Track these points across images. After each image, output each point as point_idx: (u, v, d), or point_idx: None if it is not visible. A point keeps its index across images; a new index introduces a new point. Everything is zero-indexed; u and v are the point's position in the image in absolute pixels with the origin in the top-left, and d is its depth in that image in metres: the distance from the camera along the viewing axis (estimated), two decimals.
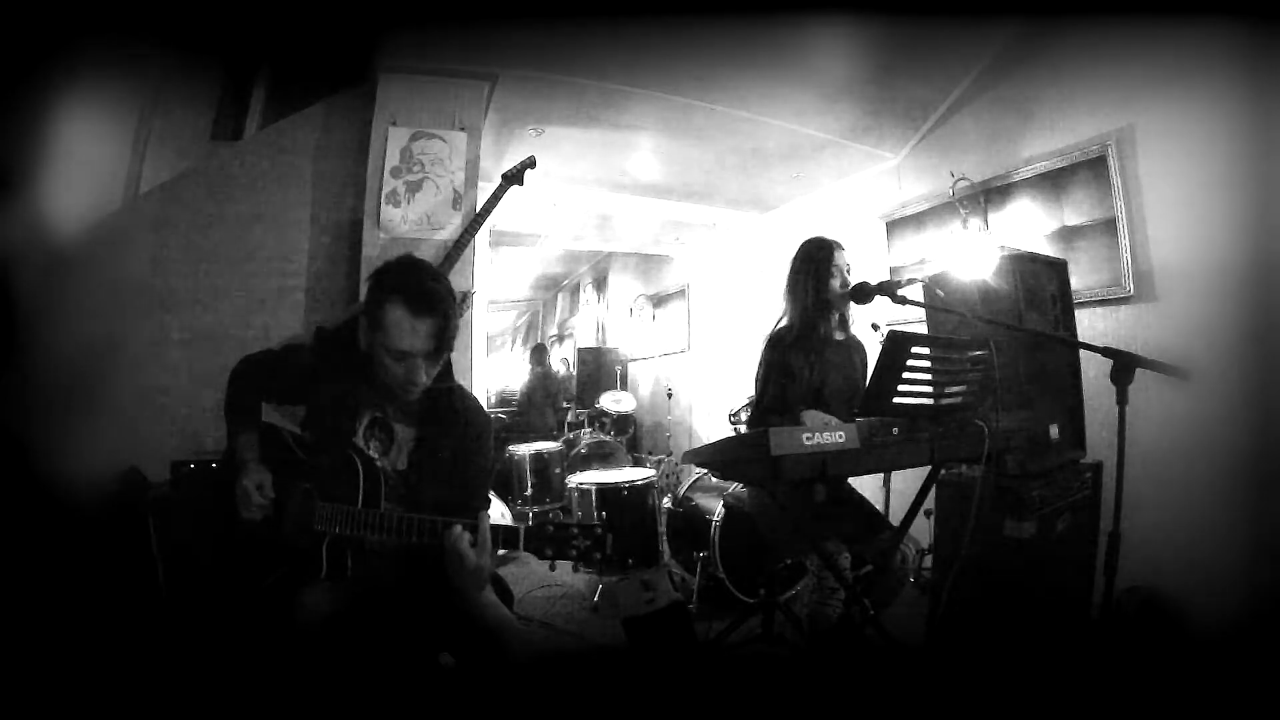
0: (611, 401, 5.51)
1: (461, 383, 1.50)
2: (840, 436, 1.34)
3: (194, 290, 2.47)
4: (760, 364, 1.93)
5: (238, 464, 1.31)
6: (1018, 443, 1.72)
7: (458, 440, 1.33)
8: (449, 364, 1.34)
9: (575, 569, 3.22)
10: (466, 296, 2.52)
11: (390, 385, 1.26)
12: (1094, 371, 2.09)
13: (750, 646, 2.20)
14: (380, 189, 2.53)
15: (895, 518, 2.05)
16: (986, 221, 3.01)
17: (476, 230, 2.55)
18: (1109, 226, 2.51)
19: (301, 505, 1.28)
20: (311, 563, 1.23)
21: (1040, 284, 2.14)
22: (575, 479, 3.34)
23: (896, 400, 1.43)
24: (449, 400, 1.36)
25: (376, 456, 1.31)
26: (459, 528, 1.12)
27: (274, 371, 1.40)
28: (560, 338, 9.28)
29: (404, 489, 1.30)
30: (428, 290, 1.21)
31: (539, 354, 6.53)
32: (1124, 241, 2.46)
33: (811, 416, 1.70)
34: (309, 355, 1.52)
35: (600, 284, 7.77)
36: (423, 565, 1.28)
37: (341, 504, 1.23)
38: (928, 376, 1.47)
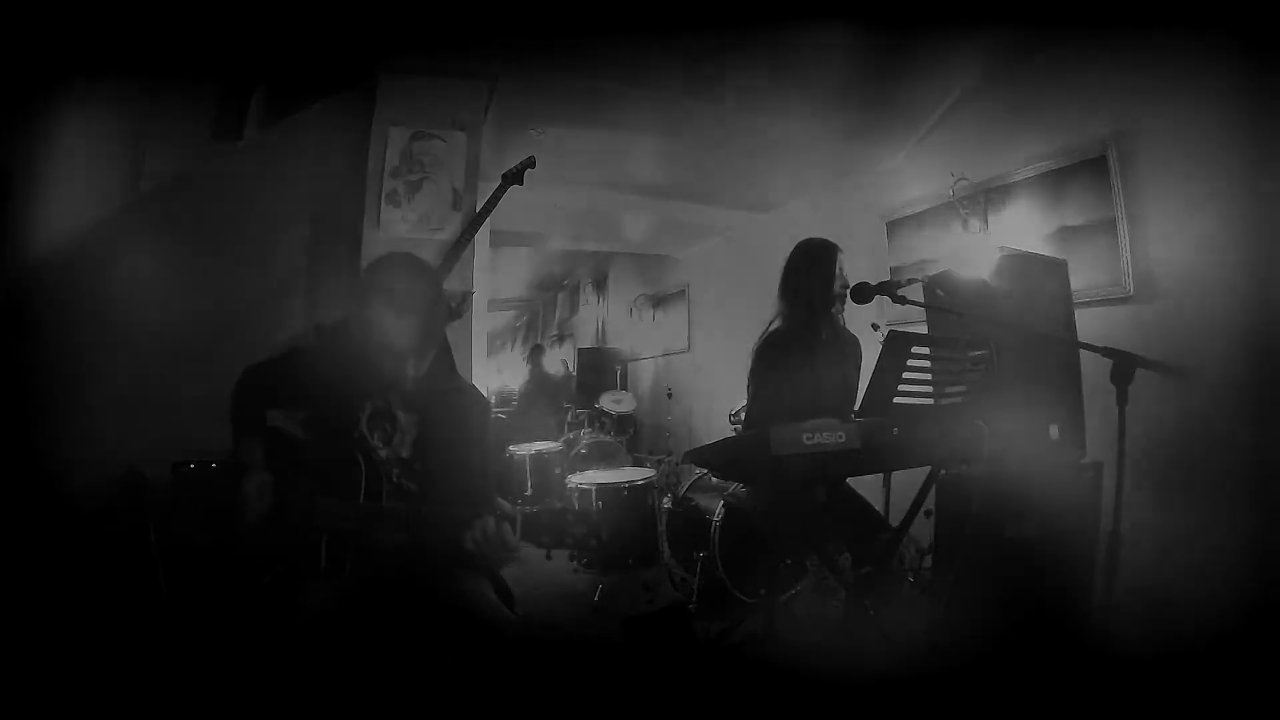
0: (611, 401, 5.51)
1: None
2: (840, 436, 1.34)
3: (194, 290, 2.47)
4: (751, 372, 1.92)
5: (241, 468, 1.33)
6: (1018, 443, 1.72)
7: (459, 424, 1.38)
8: (452, 362, 1.38)
9: (571, 558, 3.23)
10: (466, 296, 2.52)
11: (384, 377, 1.33)
12: (1094, 371, 2.09)
13: (750, 646, 2.20)
14: (380, 189, 2.53)
15: (895, 518, 2.05)
16: (986, 221, 3.01)
17: (476, 230, 2.55)
18: (1109, 226, 2.51)
19: (302, 504, 1.29)
20: (311, 559, 1.25)
21: (1040, 284, 2.14)
22: (575, 479, 3.34)
23: (896, 400, 1.43)
24: (448, 386, 1.42)
25: (380, 446, 1.35)
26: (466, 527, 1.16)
27: (276, 379, 1.43)
28: (560, 338, 9.28)
29: (408, 477, 1.34)
30: (407, 291, 1.30)
31: (536, 355, 6.55)
32: (1124, 241, 2.46)
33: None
34: (310, 356, 1.54)
35: (600, 284, 7.77)
36: (422, 560, 1.30)
37: (343, 499, 1.25)
38: (928, 376, 1.47)
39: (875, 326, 1.99)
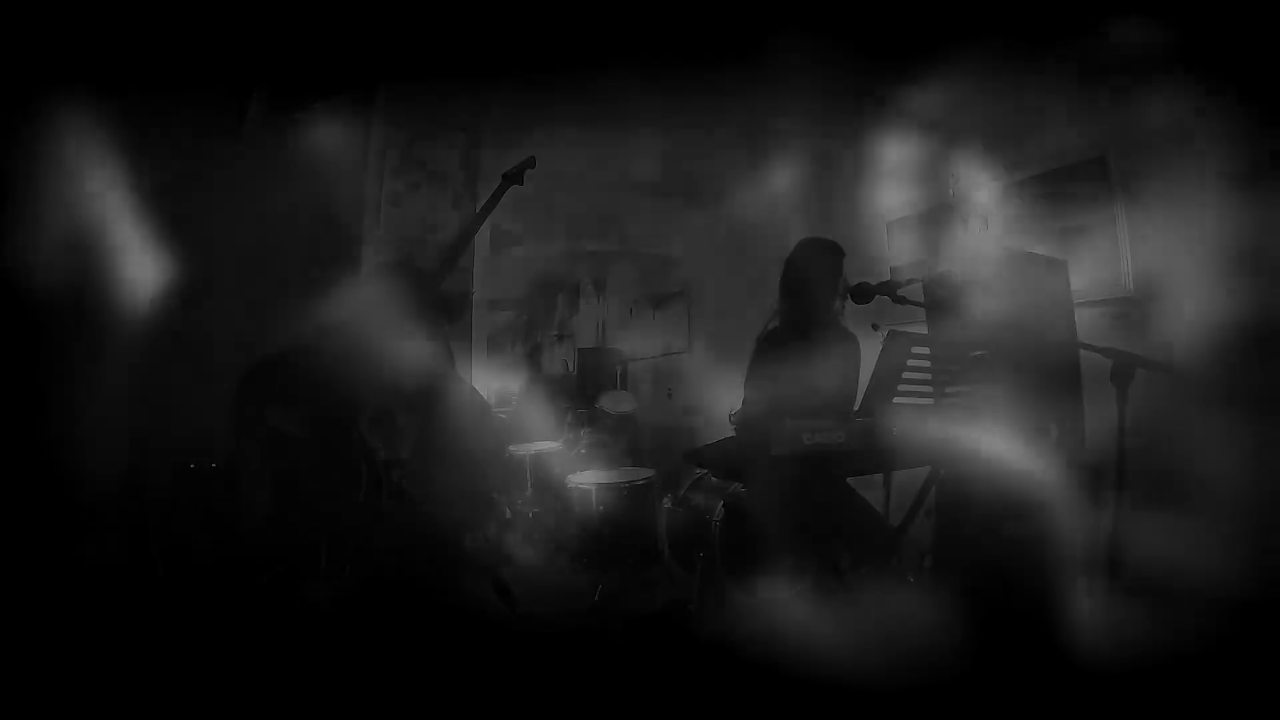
0: (611, 402, 5.50)
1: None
2: (840, 436, 1.34)
3: (194, 290, 2.47)
4: (749, 370, 1.93)
5: (241, 468, 1.34)
6: (1018, 443, 1.72)
7: (458, 425, 1.36)
8: (451, 362, 1.39)
9: (572, 558, 3.23)
10: (466, 297, 2.52)
11: (383, 379, 1.34)
12: (1094, 371, 2.09)
13: (750, 646, 2.19)
14: (381, 189, 2.54)
15: (895, 518, 2.05)
16: (986, 221, 3.01)
17: (476, 230, 2.55)
18: (1109, 226, 2.51)
19: (302, 504, 1.30)
20: (311, 559, 1.25)
21: (1040, 284, 2.14)
22: (575, 479, 3.34)
23: (896, 400, 1.44)
24: (447, 387, 1.42)
25: (380, 447, 1.35)
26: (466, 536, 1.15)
27: (276, 379, 1.44)
28: (560, 338, 9.27)
29: (408, 476, 1.33)
30: (406, 305, 1.36)
31: (535, 355, 6.54)
32: (1124, 241, 2.46)
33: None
34: (310, 357, 1.54)
35: (600, 284, 7.77)
36: (421, 557, 1.30)
37: (343, 499, 1.26)
38: (928, 376, 1.47)
39: (875, 326, 1.99)
